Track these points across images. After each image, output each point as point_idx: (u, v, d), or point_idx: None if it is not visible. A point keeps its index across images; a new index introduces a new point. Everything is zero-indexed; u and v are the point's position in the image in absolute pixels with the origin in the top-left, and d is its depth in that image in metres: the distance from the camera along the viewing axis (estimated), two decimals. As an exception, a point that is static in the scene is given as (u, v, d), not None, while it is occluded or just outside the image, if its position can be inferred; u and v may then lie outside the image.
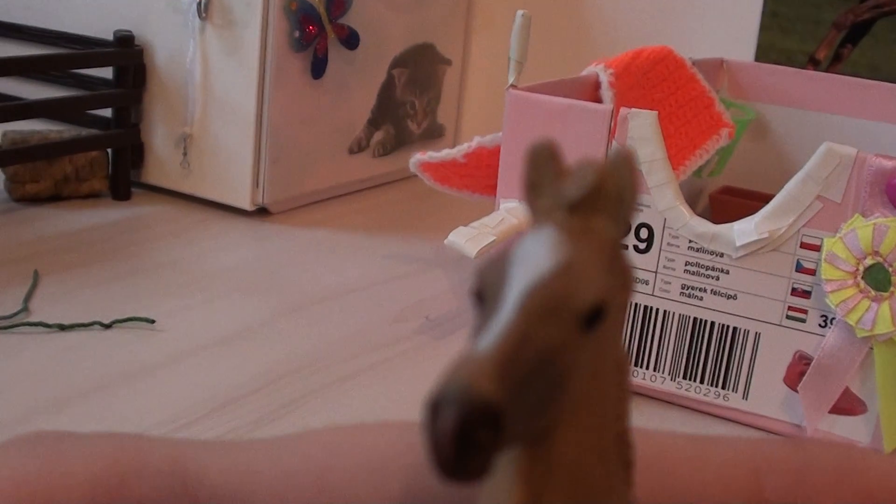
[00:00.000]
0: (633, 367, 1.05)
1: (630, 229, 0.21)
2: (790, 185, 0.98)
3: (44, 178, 1.60)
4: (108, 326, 1.14)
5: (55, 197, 1.62)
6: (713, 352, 1.03)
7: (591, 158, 0.20)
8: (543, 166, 0.21)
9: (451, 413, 0.17)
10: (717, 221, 1.03)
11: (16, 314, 1.16)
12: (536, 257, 0.19)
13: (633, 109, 1.02)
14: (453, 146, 1.42)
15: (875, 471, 0.23)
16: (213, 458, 0.24)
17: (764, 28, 1.81)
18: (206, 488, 0.24)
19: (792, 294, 0.99)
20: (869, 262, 0.94)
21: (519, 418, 0.18)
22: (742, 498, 0.23)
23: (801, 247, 0.98)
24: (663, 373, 1.05)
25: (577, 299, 0.19)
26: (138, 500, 0.23)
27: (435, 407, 0.18)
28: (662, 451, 0.23)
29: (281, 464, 0.24)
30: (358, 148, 1.82)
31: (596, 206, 0.20)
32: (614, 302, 0.20)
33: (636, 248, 1.04)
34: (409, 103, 1.92)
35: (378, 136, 1.86)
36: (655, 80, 1.35)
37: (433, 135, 2.01)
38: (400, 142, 1.91)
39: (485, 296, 0.20)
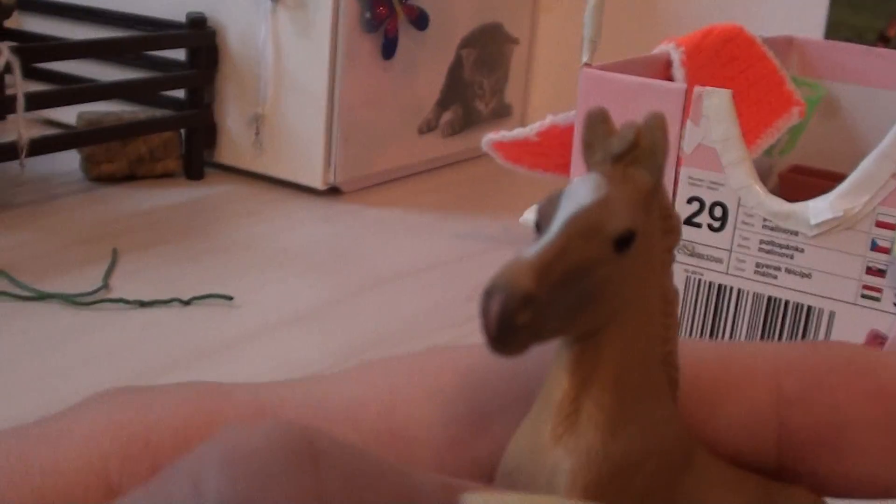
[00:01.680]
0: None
1: (661, 176, 0.25)
2: (865, 163, 0.98)
3: (119, 158, 1.63)
4: (187, 303, 1.16)
5: (130, 177, 1.65)
6: (787, 330, 1.03)
7: (631, 121, 0.25)
8: (597, 128, 0.25)
9: (496, 299, 0.21)
10: (787, 200, 1.02)
11: (96, 291, 1.18)
12: (581, 194, 0.24)
13: (708, 88, 1.02)
14: (521, 125, 1.43)
15: (888, 370, 0.25)
16: (289, 393, 0.26)
17: (834, 4, 1.79)
18: (284, 418, 0.25)
19: (867, 273, 0.99)
20: (945, 240, 0.93)
21: (555, 312, 0.22)
22: (764, 396, 0.25)
23: (876, 225, 0.98)
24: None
25: (610, 225, 0.23)
26: None
27: (485, 295, 0.21)
28: (685, 355, 0.25)
29: (349, 391, 0.26)
30: (427, 128, 1.83)
31: (634, 158, 0.25)
32: (649, 236, 0.25)
33: (710, 226, 1.04)
34: (477, 83, 1.93)
35: (447, 116, 1.87)
36: (726, 59, 1.34)
37: (501, 114, 2.02)
38: (468, 122, 1.92)
39: (541, 225, 0.24)
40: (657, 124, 0.25)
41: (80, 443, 0.25)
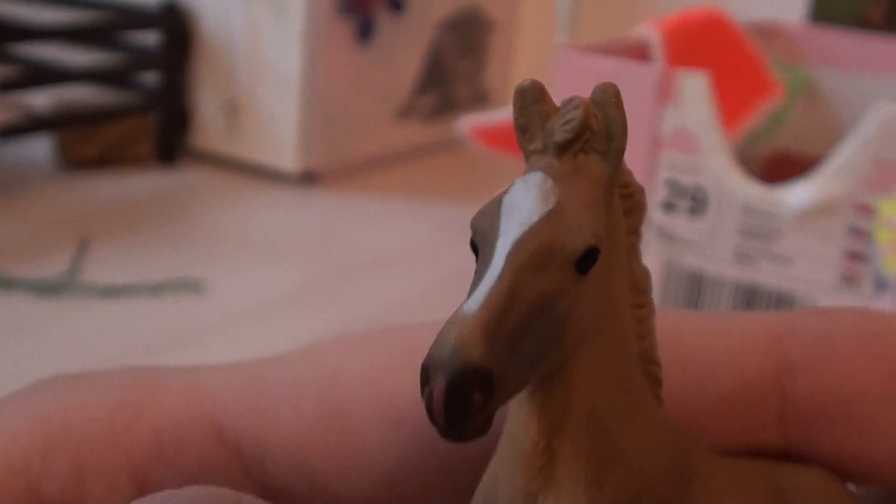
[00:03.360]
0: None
1: (620, 163, 0.21)
2: (845, 147, 0.96)
3: (92, 142, 1.61)
4: (155, 290, 1.14)
5: (103, 161, 1.63)
6: (766, 316, 1.01)
7: (574, 97, 0.21)
8: (531, 108, 0.21)
9: (441, 378, 0.17)
10: (770, 185, 1.01)
11: (64, 279, 1.16)
12: (524, 207, 0.19)
13: (685, 71, 1.01)
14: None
15: None
16: (227, 376, 0.24)
17: (816, -11, 1.78)
18: (221, 406, 0.23)
19: (846, 257, 0.98)
20: (926, 225, 0.92)
21: (516, 372, 0.18)
22: (763, 363, 0.22)
23: (855, 210, 0.97)
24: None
25: (567, 247, 0.19)
26: (154, 425, 0.23)
27: (423, 374, 0.18)
28: (672, 326, 0.22)
29: (292, 372, 0.24)
30: (405, 112, 1.81)
31: (584, 145, 0.20)
32: (612, 228, 0.21)
33: (691, 209, 1.03)
34: (456, 67, 1.91)
35: (425, 100, 1.85)
36: (705, 43, 1.33)
37: (480, 99, 2.00)
38: (447, 106, 1.90)
39: (480, 249, 0.20)
40: (609, 98, 0.20)
41: (1, 443, 0.23)
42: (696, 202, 1.02)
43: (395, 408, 0.23)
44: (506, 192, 0.20)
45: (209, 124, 1.66)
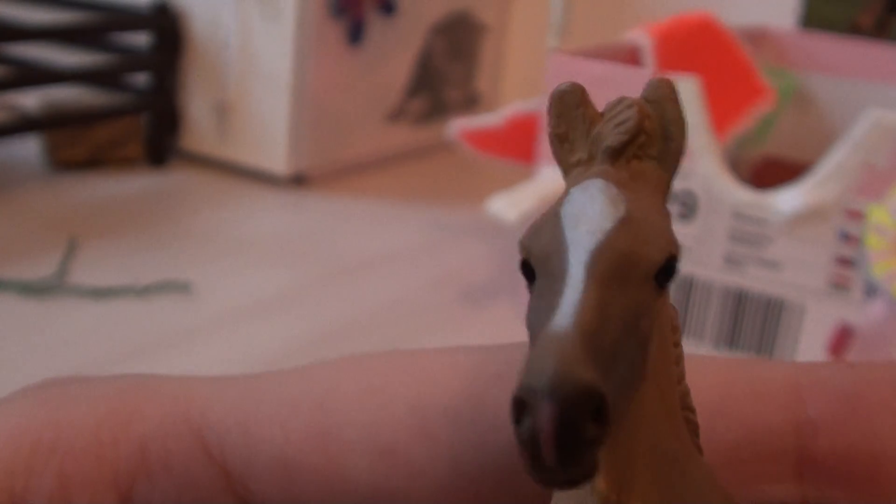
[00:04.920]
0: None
1: (678, 168, 0.19)
2: (835, 153, 0.96)
3: (81, 143, 1.60)
4: (142, 292, 1.14)
5: (92, 162, 1.62)
6: (756, 321, 1.01)
7: (624, 96, 0.19)
8: (572, 113, 0.19)
9: (549, 407, 0.15)
10: (760, 190, 1.01)
11: (51, 280, 1.16)
12: (591, 215, 0.17)
13: (675, 75, 1.01)
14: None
15: None
16: (217, 391, 0.24)
17: (807, -5, 1.78)
18: (210, 421, 0.23)
19: (836, 263, 0.98)
20: (916, 231, 0.92)
21: (615, 400, 0.16)
22: (782, 416, 0.21)
23: (846, 216, 0.97)
24: (706, 342, 1.04)
25: (648, 257, 0.17)
26: (140, 438, 0.23)
27: (522, 403, 0.15)
28: (690, 369, 0.20)
29: (283, 391, 0.24)
30: (395, 115, 1.81)
31: (640, 149, 0.18)
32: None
33: (680, 214, 1.02)
34: (447, 70, 1.91)
35: (416, 103, 1.85)
36: (696, 47, 1.33)
37: (472, 102, 2.00)
38: (438, 109, 1.90)
39: (540, 267, 0.17)
40: (667, 94, 0.19)
41: None
42: (686, 207, 1.02)
43: (385, 435, 0.23)
44: (559, 204, 0.18)
45: (199, 126, 1.65)
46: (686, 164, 1.02)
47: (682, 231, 1.01)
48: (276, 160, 1.60)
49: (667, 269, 0.17)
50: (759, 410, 0.22)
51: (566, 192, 0.18)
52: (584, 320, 0.16)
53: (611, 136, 0.18)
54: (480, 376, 0.23)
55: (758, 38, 1.55)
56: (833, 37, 1.56)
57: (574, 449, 0.15)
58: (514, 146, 1.28)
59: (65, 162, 1.60)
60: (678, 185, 1.00)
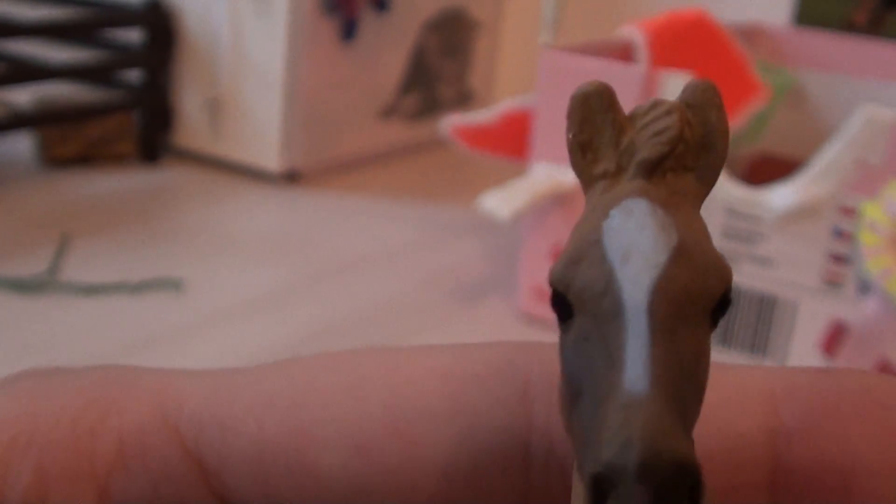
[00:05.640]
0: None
1: (716, 182, 0.17)
2: (829, 150, 0.96)
3: (73, 140, 1.60)
4: (134, 290, 1.13)
5: (84, 159, 1.62)
6: (750, 318, 1.01)
7: (659, 99, 0.17)
8: (599, 117, 0.17)
9: (643, 490, 0.13)
10: (753, 187, 1.01)
11: (43, 277, 1.15)
12: (645, 247, 0.15)
13: (670, 72, 1.01)
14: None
15: None
16: (195, 384, 0.23)
17: (801, -8, 1.78)
18: (186, 415, 0.23)
19: (829, 260, 0.98)
20: (909, 227, 0.92)
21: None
22: (755, 423, 0.20)
23: (839, 212, 0.96)
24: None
25: (708, 291, 0.15)
26: (118, 430, 0.23)
27: (602, 482, 0.14)
28: None
29: (260, 387, 0.23)
30: (388, 112, 1.80)
31: (678, 162, 0.16)
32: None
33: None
34: (440, 67, 1.91)
35: (409, 100, 1.85)
36: (690, 44, 1.33)
37: (464, 99, 2.00)
38: (431, 107, 1.90)
39: (584, 305, 0.15)
40: (710, 98, 0.17)
41: None
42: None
43: (360, 433, 0.22)
44: (597, 230, 0.16)
45: (192, 123, 1.65)
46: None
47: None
48: (269, 157, 1.60)
49: (723, 302, 0.16)
50: (734, 419, 0.21)
51: (604, 215, 0.16)
52: (665, 380, 0.14)
53: (647, 146, 0.16)
54: (458, 376, 0.22)
55: (752, 34, 1.55)
56: (827, 33, 1.56)
57: None
58: (507, 143, 1.27)
59: (57, 159, 1.59)
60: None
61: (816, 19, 1.77)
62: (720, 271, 0.15)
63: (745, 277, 1.00)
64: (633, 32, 1.25)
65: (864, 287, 0.97)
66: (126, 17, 1.65)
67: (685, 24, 1.33)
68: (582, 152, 0.17)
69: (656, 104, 0.17)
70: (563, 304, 0.16)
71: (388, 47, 1.76)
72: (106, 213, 1.40)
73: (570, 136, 0.17)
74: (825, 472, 0.21)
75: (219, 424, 0.23)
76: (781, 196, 0.98)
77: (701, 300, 0.15)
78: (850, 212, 0.96)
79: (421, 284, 1.23)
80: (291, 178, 1.63)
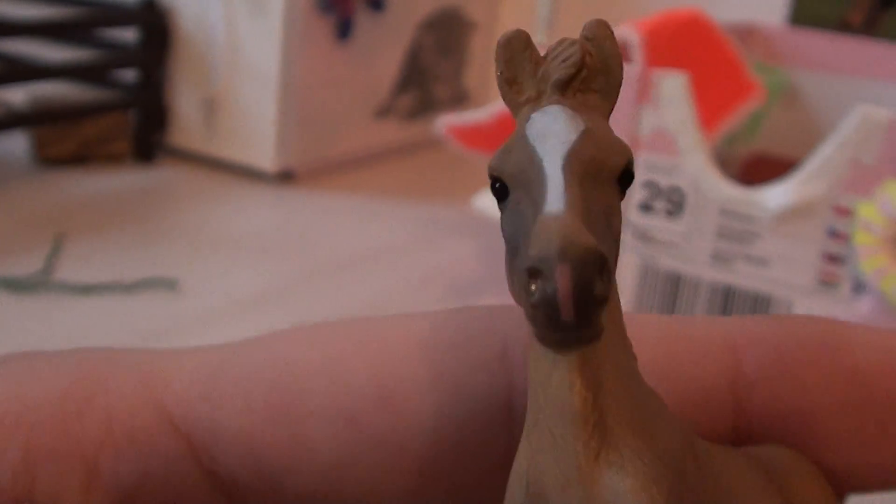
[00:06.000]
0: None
1: (617, 98, 0.21)
2: (823, 150, 0.96)
3: (69, 139, 1.60)
4: (129, 289, 1.13)
5: (79, 158, 1.61)
6: (743, 318, 1.01)
7: (564, 37, 0.20)
8: (519, 56, 0.21)
9: (564, 269, 0.16)
10: (748, 186, 1.01)
11: (37, 276, 1.15)
12: (556, 130, 0.19)
13: (664, 71, 1.01)
14: (480, 110, 1.40)
15: (862, 346, 0.21)
16: (181, 362, 0.23)
17: (796, -8, 1.78)
18: (173, 393, 0.23)
19: (824, 260, 0.98)
20: (904, 227, 0.92)
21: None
22: (718, 374, 0.21)
23: (834, 212, 0.96)
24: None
25: (612, 162, 0.19)
26: (105, 409, 0.23)
27: (536, 272, 0.17)
28: (630, 328, 0.21)
29: (245, 362, 0.23)
30: (384, 112, 1.80)
31: (584, 83, 0.20)
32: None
33: (667, 211, 1.02)
34: (435, 67, 1.91)
35: (404, 100, 1.85)
36: (685, 44, 1.33)
37: (460, 99, 2.00)
38: (426, 106, 1.90)
39: (515, 181, 0.19)
40: (604, 32, 0.20)
41: None
42: (674, 203, 1.02)
43: (349, 403, 0.22)
44: (522, 128, 0.20)
45: (187, 122, 1.65)
46: (674, 161, 1.02)
47: (669, 228, 1.01)
48: (264, 157, 1.60)
49: (626, 174, 0.19)
50: (697, 369, 0.22)
51: (526, 118, 0.20)
52: (575, 204, 0.18)
53: (558, 70, 0.20)
54: (439, 343, 0.23)
55: (747, 34, 1.55)
56: (822, 34, 1.56)
57: (588, 306, 0.17)
58: (501, 142, 1.27)
59: (52, 158, 1.59)
60: (666, 181, 1.00)
61: (811, 19, 1.77)
62: (622, 148, 0.19)
63: (739, 277, 1.00)
64: (628, 32, 1.25)
65: (859, 286, 0.97)
66: (121, 17, 1.65)
67: (680, 23, 1.33)
68: (509, 86, 0.20)
69: (562, 41, 0.20)
70: (500, 189, 0.19)
71: (384, 47, 1.76)
72: (100, 212, 1.40)
73: (499, 74, 0.20)
74: (784, 419, 0.22)
75: (207, 402, 0.23)
76: (776, 196, 0.98)
77: (607, 168, 0.19)
78: (844, 211, 0.96)
79: (415, 283, 1.23)
80: (286, 177, 1.63)
